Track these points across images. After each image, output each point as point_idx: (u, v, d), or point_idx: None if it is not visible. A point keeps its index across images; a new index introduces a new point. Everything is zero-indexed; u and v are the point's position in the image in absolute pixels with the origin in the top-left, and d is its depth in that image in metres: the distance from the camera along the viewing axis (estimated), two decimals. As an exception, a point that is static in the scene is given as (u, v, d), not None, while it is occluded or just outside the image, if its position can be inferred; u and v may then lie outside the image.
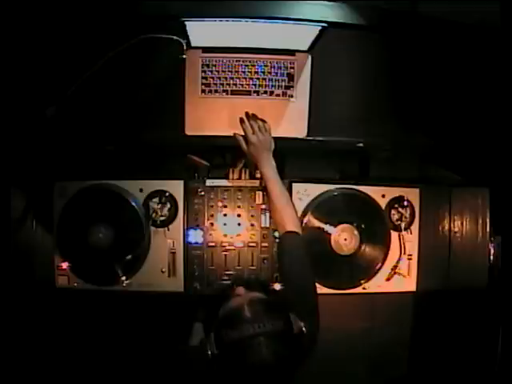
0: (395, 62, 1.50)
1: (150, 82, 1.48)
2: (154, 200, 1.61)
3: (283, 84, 1.53)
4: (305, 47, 1.48)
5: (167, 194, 1.61)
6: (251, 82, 1.52)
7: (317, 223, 1.63)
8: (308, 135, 1.56)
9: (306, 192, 1.65)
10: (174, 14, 1.28)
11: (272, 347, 0.98)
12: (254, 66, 1.51)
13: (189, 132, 1.54)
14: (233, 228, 1.66)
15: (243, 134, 1.49)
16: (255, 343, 0.98)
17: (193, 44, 1.43)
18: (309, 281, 1.33)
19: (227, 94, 1.53)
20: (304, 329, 1.07)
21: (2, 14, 1.25)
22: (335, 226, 1.61)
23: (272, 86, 1.53)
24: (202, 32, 1.39)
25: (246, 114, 1.51)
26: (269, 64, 1.51)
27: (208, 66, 1.50)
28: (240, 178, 1.67)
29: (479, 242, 1.74)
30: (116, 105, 1.50)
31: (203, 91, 1.52)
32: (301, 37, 1.43)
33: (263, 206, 1.65)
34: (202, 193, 1.65)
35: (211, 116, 1.54)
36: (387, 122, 1.58)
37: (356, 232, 1.61)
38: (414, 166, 1.92)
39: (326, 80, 1.52)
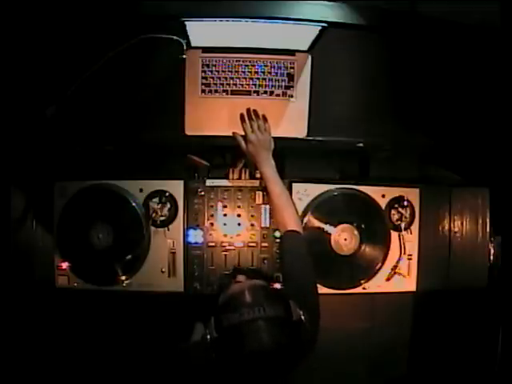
0: (395, 61, 1.51)
1: (149, 82, 1.48)
2: (154, 200, 1.61)
3: (283, 84, 1.53)
4: (305, 47, 1.48)
5: (167, 194, 1.61)
6: (251, 82, 1.52)
7: (317, 223, 1.63)
8: (308, 135, 1.56)
9: (306, 192, 1.65)
10: (174, 14, 1.29)
11: (271, 332, 0.97)
12: (253, 66, 1.51)
13: (189, 132, 1.54)
14: (233, 228, 1.66)
15: (243, 133, 1.49)
16: (254, 327, 0.97)
17: (193, 44, 1.43)
18: (310, 280, 1.32)
19: (227, 94, 1.53)
20: (303, 317, 1.06)
21: (2, 13, 1.25)
22: (335, 226, 1.62)
23: (272, 86, 1.53)
24: (202, 32, 1.40)
25: (248, 110, 1.51)
26: (269, 64, 1.51)
27: (208, 66, 1.50)
28: (240, 178, 1.67)
29: (479, 242, 1.74)
30: (116, 105, 1.50)
31: (203, 91, 1.52)
32: (301, 37, 1.43)
33: (263, 208, 1.65)
34: (202, 193, 1.65)
35: (211, 116, 1.54)
36: (387, 122, 1.58)
37: (356, 232, 1.61)
38: (414, 166, 1.91)
39: (326, 80, 1.52)
